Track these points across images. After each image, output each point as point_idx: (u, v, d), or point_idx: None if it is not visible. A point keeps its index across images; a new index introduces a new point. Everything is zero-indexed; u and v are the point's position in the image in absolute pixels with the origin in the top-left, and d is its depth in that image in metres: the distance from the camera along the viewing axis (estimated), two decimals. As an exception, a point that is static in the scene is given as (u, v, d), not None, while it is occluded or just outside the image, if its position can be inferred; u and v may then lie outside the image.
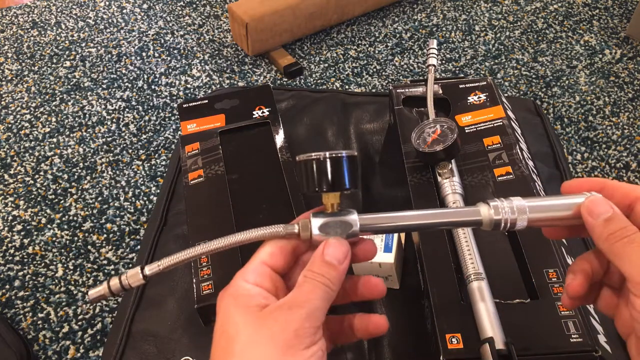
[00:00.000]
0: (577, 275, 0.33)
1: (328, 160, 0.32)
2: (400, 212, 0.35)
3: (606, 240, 0.31)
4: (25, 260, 1.14)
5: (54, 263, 1.13)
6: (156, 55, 1.63)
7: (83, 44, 1.68)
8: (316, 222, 0.33)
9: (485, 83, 0.63)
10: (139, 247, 1.13)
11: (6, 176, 1.30)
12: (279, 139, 0.64)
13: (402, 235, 0.57)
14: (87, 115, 1.45)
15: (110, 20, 1.77)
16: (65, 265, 1.13)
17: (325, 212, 0.34)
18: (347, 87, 1.52)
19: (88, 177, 1.29)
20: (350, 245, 0.33)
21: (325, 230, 0.33)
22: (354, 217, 0.33)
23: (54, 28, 1.75)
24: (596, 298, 0.35)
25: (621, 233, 0.31)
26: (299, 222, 0.33)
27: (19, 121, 1.44)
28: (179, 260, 0.32)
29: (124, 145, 1.37)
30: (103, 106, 1.47)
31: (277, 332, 0.29)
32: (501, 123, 0.58)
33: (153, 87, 1.53)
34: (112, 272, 1.11)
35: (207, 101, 0.69)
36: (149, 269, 0.32)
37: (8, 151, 1.36)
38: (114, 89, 1.52)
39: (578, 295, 0.33)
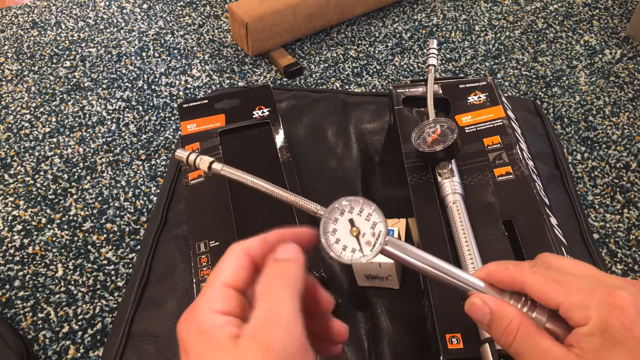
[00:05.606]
0: None
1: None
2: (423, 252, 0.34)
3: (504, 342, 0.30)
4: (25, 260, 1.14)
5: (54, 263, 1.13)
6: (156, 55, 1.63)
7: (83, 44, 1.68)
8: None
9: (485, 83, 0.64)
10: (139, 247, 1.13)
11: (6, 176, 1.30)
12: (279, 139, 0.64)
13: (402, 234, 0.57)
14: (87, 115, 1.45)
15: (110, 20, 1.77)
16: (65, 265, 1.13)
17: None
18: (347, 87, 1.52)
19: (88, 177, 1.29)
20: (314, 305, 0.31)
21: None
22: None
23: (54, 28, 1.75)
24: None
25: (509, 329, 0.29)
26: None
27: (19, 121, 1.44)
28: (235, 178, 0.41)
29: (124, 145, 1.37)
30: (103, 106, 1.47)
31: None
32: (501, 123, 0.58)
33: (153, 87, 1.53)
34: (112, 272, 1.11)
35: (207, 101, 0.69)
36: (214, 166, 0.41)
37: (8, 151, 1.36)
38: (114, 89, 1.52)
39: None
